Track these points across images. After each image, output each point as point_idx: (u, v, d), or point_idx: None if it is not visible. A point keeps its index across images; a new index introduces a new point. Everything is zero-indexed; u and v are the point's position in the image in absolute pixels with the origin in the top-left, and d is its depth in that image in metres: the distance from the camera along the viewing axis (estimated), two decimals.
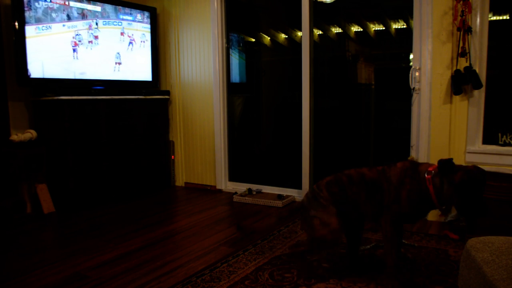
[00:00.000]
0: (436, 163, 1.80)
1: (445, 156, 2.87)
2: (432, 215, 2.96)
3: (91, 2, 3.54)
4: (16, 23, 3.09)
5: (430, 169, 1.79)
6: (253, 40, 4.56)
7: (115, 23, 3.76)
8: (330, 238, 1.92)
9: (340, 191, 1.96)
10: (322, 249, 2.01)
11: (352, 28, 4.03)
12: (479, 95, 2.78)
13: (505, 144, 2.78)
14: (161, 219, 3.13)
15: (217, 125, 3.98)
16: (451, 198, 1.66)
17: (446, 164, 1.70)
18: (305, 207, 2.03)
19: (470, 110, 2.80)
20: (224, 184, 4.07)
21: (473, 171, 1.64)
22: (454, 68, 2.76)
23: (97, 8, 3.59)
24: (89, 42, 3.57)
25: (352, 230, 2.09)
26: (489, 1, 2.72)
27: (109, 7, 3.69)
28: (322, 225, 1.92)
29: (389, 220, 1.86)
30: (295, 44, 4.11)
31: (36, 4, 3.16)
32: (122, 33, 3.83)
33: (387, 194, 1.88)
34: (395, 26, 3.83)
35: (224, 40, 3.97)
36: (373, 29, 3.99)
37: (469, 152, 2.81)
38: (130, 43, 3.93)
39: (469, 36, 2.70)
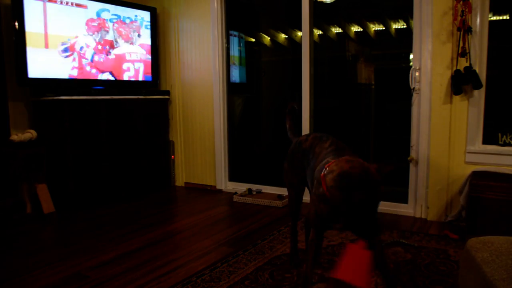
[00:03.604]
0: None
1: (445, 157, 2.87)
2: (432, 215, 2.96)
3: (92, 1, 3.54)
4: (16, 23, 3.09)
5: (328, 164, 1.41)
6: (253, 40, 4.56)
7: (115, 23, 3.77)
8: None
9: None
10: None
11: (352, 28, 4.04)
12: (479, 95, 2.77)
13: (505, 144, 2.78)
14: (161, 219, 3.13)
15: (217, 125, 3.98)
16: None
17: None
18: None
19: (470, 110, 2.79)
20: (224, 184, 4.06)
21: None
22: (454, 68, 2.76)
23: (98, 7, 3.60)
24: (89, 42, 3.57)
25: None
26: (489, 1, 2.71)
27: (109, 7, 3.69)
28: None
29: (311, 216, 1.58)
30: (295, 44, 4.12)
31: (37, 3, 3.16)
32: (122, 33, 3.83)
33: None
34: (395, 26, 3.84)
35: (224, 40, 3.96)
36: (373, 29, 3.99)
37: (469, 152, 2.81)
38: (131, 43, 3.92)
39: (469, 36, 2.70)
